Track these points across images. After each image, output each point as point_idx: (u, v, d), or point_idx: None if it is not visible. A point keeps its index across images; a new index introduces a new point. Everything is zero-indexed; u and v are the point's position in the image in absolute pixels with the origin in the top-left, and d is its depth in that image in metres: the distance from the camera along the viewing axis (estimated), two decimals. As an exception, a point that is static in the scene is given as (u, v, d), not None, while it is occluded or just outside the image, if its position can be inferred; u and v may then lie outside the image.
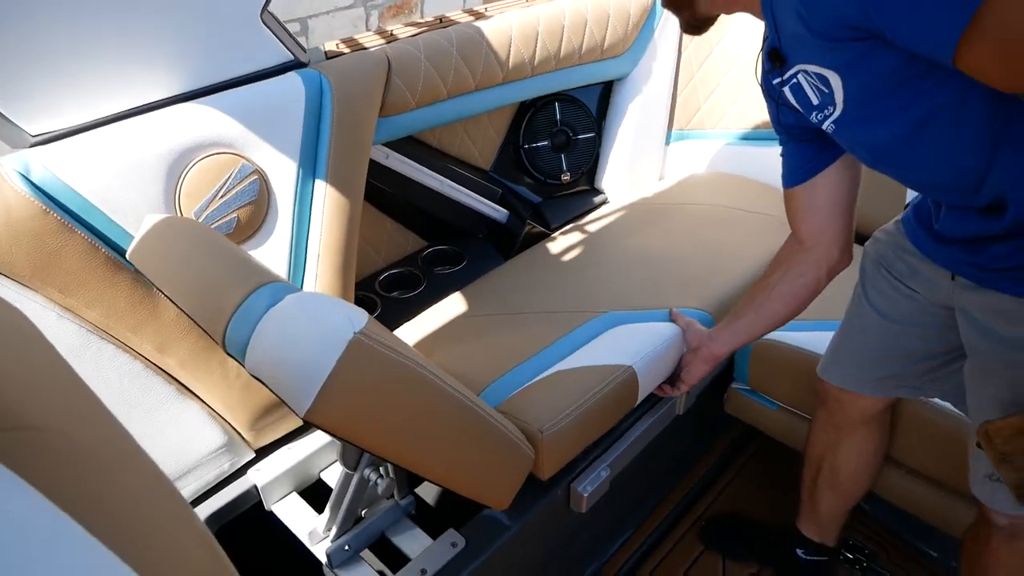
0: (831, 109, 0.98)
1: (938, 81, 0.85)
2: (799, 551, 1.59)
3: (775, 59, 1.02)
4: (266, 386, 0.89)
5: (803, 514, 1.58)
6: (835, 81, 0.94)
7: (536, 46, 1.76)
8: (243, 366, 0.91)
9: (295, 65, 1.41)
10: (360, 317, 0.89)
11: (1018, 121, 0.85)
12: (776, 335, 1.62)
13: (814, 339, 1.56)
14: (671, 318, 1.54)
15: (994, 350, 1.06)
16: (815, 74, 0.96)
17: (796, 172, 1.19)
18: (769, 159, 2.06)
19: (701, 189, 2.15)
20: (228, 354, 0.94)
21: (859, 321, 1.31)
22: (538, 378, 1.41)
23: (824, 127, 1.02)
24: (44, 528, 0.39)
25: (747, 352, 1.66)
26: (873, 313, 1.27)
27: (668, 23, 2.07)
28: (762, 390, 1.69)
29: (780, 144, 1.21)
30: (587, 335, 1.53)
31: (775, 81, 1.06)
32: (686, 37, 2.13)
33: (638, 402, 1.47)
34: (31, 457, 0.42)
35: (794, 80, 1.01)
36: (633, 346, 1.45)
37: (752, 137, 2.12)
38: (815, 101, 1.00)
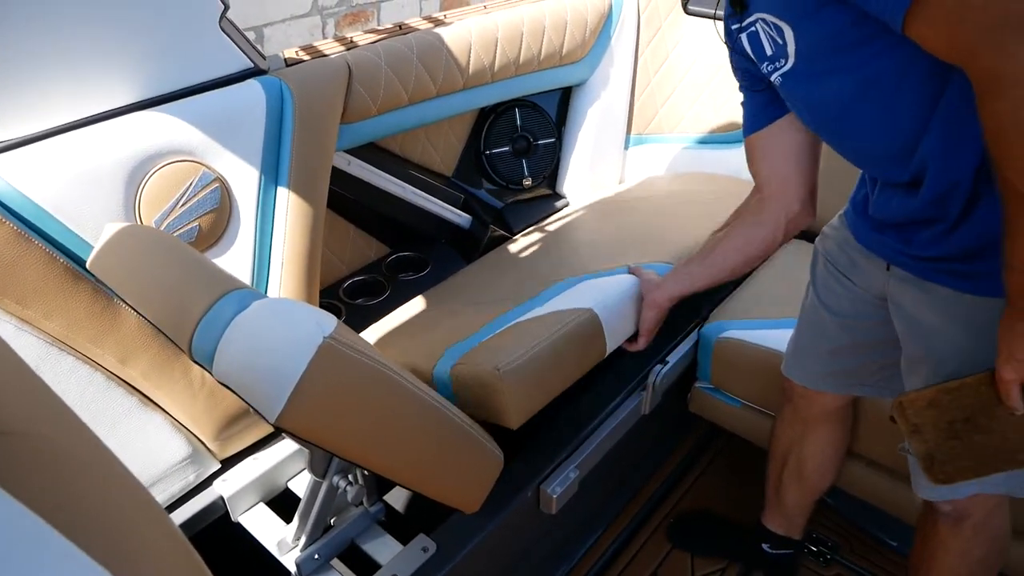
0: (783, 62, 1.00)
1: (884, 46, 0.87)
2: (765, 545, 1.62)
3: (736, 3, 1.04)
4: (235, 393, 0.88)
5: (768, 509, 1.61)
6: (788, 33, 0.96)
7: (496, 52, 1.77)
8: (211, 374, 0.90)
9: (255, 72, 1.40)
10: (329, 322, 0.89)
11: (949, 96, 0.88)
12: (738, 333, 1.65)
13: (775, 336, 1.59)
14: (631, 272, 1.52)
15: (920, 341, 1.09)
16: (772, 24, 0.98)
17: (755, 118, 1.20)
18: (727, 161, 2.12)
19: (661, 187, 2.18)
20: (195, 362, 0.93)
21: (811, 318, 1.35)
22: (495, 332, 1.39)
23: (773, 79, 1.04)
24: (20, 535, 0.39)
25: (709, 351, 1.70)
26: (821, 308, 1.30)
27: (624, 29, 2.11)
28: (725, 388, 1.73)
29: (740, 91, 1.21)
30: (546, 297, 1.52)
31: (734, 27, 1.08)
32: (642, 42, 2.17)
33: (607, 352, 1.42)
34: (7, 463, 0.41)
35: (752, 28, 1.03)
36: (592, 294, 1.44)
37: (709, 140, 2.17)
38: (769, 52, 1.01)
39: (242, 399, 0.87)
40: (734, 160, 2.09)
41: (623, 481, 1.87)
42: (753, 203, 1.29)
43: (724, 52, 1.21)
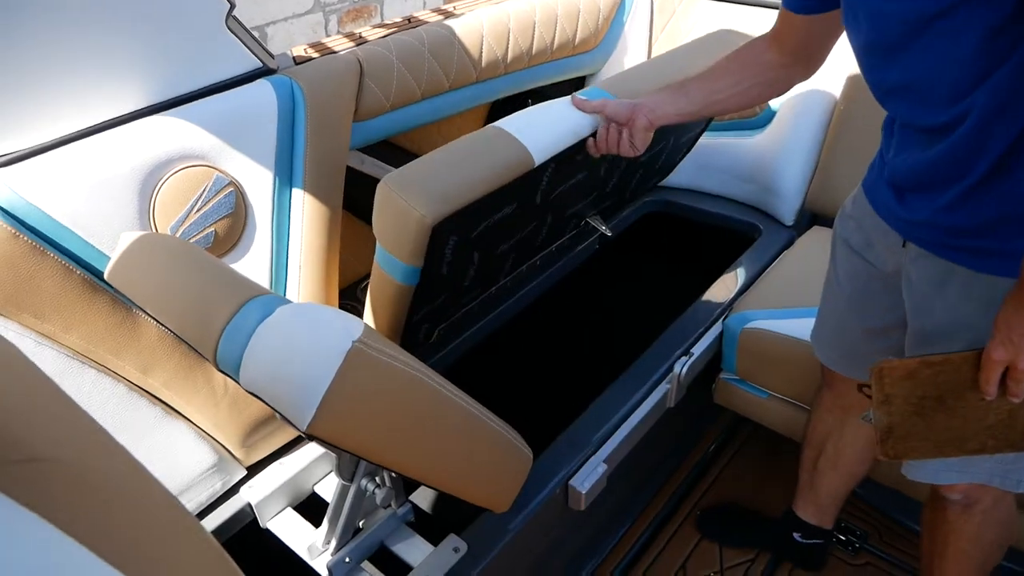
0: None
1: None
2: (796, 535, 1.60)
3: None
4: (264, 402, 0.86)
5: (801, 497, 1.58)
6: None
7: (508, 43, 1.74)
8: (237, 383, 0.88)
9: (264, 72, 1.38)
10: (356, 326, 0.87)
11: (1008, 61, 0.83)
12: (763, 323, 1.63)
13: (801, 326, 1.56)
14: (575, 105, 1.26)
15: (931, 317, 1.06)
16: None
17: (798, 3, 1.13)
18: (747, 148, 2.08)
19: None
20: (221, 371, 0.91)
21: (829, 300, 1.33)
22: None
23: None
24: (63, 564, 0.37)
25: (735, 342, 1.67)
26: (838, 290, 1.27)
27: (638, 15, 2.07)
28: (751, 379, 1.70)
29: None
30: None
31: None
32: (656, 28, 2.13)
33: (535, 159, 1.18)
34: (43, 490, 0.40)
35: None
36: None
37: (729, 128, 2.13)
38: None
39: (271, 408, 0.86)
40: (754, 147, 2.06)
41: (649, 474, 1.85)
42: (767, 61, 1.19)
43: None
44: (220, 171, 1.28)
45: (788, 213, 2.05)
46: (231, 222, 1.30)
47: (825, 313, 1.36)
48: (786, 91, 1.24)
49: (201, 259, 1.05)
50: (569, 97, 1.28)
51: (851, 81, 1.89)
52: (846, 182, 1.88)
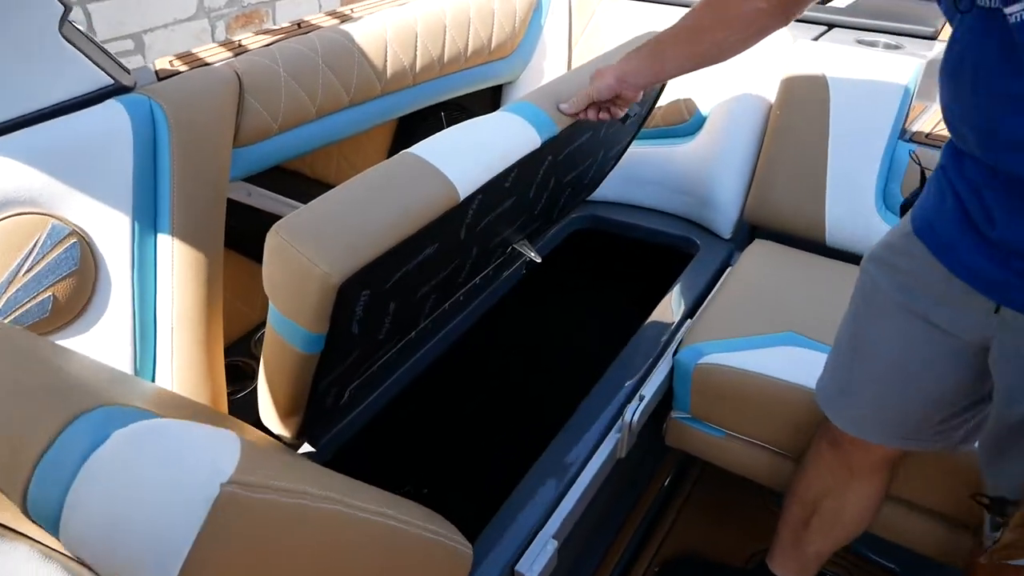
0: None
1: None
2: (773, 594, 1.44)
3: None
4: (93, 573, 0.60)
5: (780, 554, 1.42)
6: None
7: (416, 50, 1.52)
8: (56, 539, 0.62)
9: (116, 90, 1.11)
10: (228, 453, 0.62)
11: None
12: (718, 357, 1.46)
13: (759, 358, 1.43)
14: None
15: None
16: None
17: None
18: (675, 159, 1.93)
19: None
20: (35, 523, 0.65)
21: (866, 363, 1.14)
22: None
23: (1010, 13, 0.76)
24: None
25: (688, 379, 1.50)
26: (885, 354, 1.10)
27: (556, 17, 1.89)
28: (706, 419, 1.53)
29: None
30: None
31: None
32: (575, 30, 1.95)
33: (460, 192, 1.01)
34: None
35: None
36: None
37: (655, 136, 1.97)
38: None
39: (104, 585, 0.60)
40: (685, 156, 1.91)
41: (597, 533, 1.65)
42: (750, 10, 1.08)
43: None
44: (58, 218, 1.01)
45: (725, 226, 1.91)
46: (75, 282, 1.03)
47: (853, 375, 1.17)
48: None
49: (15, 350, 0.78)
50: (495, 113, 1.08)
51: (787, 84, 1.76)
52: (786, 192, 1.75)
